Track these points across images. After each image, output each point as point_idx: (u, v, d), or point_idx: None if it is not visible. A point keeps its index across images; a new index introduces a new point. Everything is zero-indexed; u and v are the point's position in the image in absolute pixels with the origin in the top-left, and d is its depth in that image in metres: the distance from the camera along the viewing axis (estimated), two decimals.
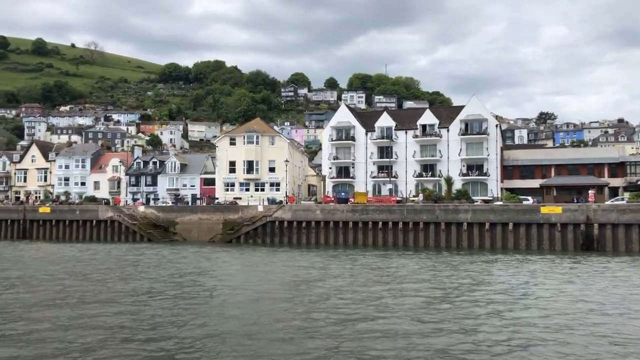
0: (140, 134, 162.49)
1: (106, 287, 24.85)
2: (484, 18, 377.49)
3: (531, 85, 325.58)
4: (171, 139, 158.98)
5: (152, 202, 69.73)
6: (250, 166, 68.65)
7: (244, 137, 68.89)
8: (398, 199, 53.76)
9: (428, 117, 64.83)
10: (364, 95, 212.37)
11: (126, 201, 69.39)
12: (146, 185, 74.81)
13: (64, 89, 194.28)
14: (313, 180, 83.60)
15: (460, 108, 65.76)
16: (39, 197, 77.32)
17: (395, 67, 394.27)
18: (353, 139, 67.40)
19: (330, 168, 68.11)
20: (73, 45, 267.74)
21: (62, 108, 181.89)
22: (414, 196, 59.57)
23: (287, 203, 54.36)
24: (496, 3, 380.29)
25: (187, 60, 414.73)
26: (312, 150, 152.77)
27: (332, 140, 68.03)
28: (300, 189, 74.93)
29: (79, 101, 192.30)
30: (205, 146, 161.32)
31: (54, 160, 78.84)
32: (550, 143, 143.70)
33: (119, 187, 75.86)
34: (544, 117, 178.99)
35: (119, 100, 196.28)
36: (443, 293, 23.18)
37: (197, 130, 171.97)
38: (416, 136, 64.77)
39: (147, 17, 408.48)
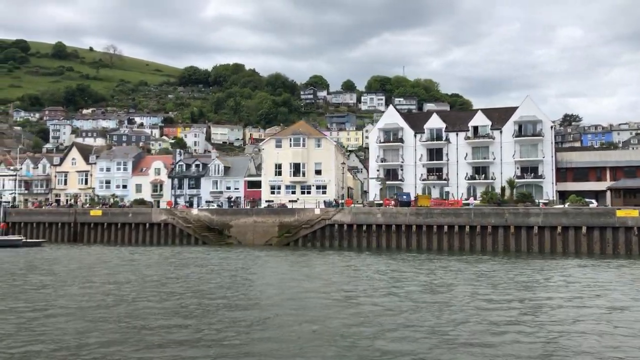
0: (164, 137, 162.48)
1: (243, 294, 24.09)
2: (497, 19, 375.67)
3: (545, 87, 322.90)
4: (195, 142, 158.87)
5: (194, 205, 69.22)
6: (296, 169, 67.96)
7: (291, 139, 68.23)
8: (464, 202, 52.71)
9: (480, 119, 63.85)
10: (383, 97, 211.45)
11: (175, 204, 68.86)
12: (189, 187, 74.31)
13: (86, 92, 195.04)
14: (349, 182, 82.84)
15: (511, 109, 64.73)
16: (86, 199, 77.07)
17: (406, 70, 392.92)
18: (401, 140, 66.55)
19: (377, 170, 67.23)
20: (91, 49, 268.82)
21: (84, 111, 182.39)
22: (466, 199, 58.60)
23: (345, 206, 53.57)
24: (509, 5, 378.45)
25: (198, 63, 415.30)
26: None
27: (379, 142, 67.19)
28: (344, 192, 74.09)
29: (100, 104, 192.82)
30: (228, 149, 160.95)
31: (95, 163, 78.57)
32: (577, 145, 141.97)
33: (161, 189, 75.43)
34: (568, 119, 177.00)
35: (140, 103, 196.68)
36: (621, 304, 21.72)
37: (220, 133, 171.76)
38: (468, 138, 63.80)
39: (160, 21, 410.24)
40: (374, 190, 67.26)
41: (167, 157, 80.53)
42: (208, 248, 50.88)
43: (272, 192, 68.65)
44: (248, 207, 64.91)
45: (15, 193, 74.92)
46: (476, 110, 65.47)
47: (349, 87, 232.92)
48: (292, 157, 67.80)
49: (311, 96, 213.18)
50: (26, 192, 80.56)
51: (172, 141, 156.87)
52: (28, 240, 52.81)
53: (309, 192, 67.61)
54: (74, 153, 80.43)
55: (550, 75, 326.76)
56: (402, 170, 66.30)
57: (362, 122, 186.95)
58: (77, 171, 79.21)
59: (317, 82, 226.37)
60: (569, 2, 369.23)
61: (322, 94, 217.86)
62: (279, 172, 68.69)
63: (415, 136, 66.22)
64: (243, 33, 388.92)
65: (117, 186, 76.71)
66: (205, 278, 29.38)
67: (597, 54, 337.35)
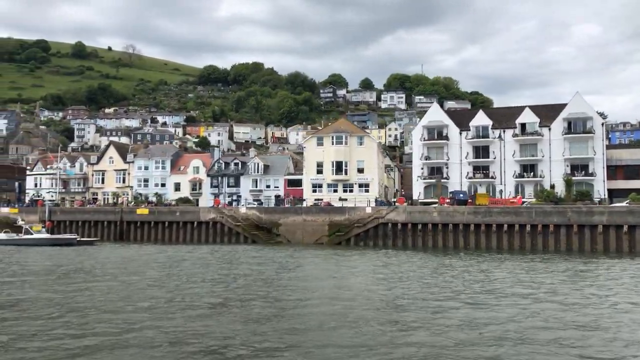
0: (187, 136, 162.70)
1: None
2: (513, 17, 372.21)
3: (559, 85, 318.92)
4: (218, 141, 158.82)
5: (234, 204, 68.80)
6: (338, 167, 67.38)
7: (333, 137, 67.64)
8: (524, 200, 51.83)
9: (528, 116, 62.82)
10: (403, 95, 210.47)
11: (219, 202, 68.58)
12: (228, 186, 74.02)
13: (107, 91, 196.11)
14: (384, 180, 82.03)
15: (559, 106, 63.62)
16: (129, 198, 77.09)
17: (420, 67, 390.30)
18: (446, 138, 65.70)
19: (422, 168, 66.47)
20: (110, 49, 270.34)
21: (107, 110, 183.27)
22: (513, 197, 57.70)
23: (397, 205, 52.92)
24: (525, 2, 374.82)
25: (212, 62, 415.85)
26: None
27: (424, 140, 66.39)
28: (385, 190, 73.46)
29: (122, 103, 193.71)
30: (250, 148, 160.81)
31: (132, 162, 78.54)
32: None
33: (200, 188, 75.24)
34: None
35: (161, 102, 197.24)
36: None
37: (242, 132, 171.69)
38: (516, 135, 62.80)
39: (174, 20, 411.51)
40: (417, 189, 66.52)
41: (205, 156, 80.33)
42: (261, 246, 50.45)
43: (314, 191, 68.13)
44: (287, 205, 64.62)
45: (56, 191, 74.96)
46: (523, 107, 64.41)
47: (366, 85, 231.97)
48: (334, 155, 67.22)
49: (330, 95, 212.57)
50: (63, 190, 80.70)
51: (196, 140, 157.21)
52: (82, 239, 52.68)
53: (351, 191, 66.98)
54: (112, 152, 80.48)
55: (565, 74, 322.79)
56: (447, 168, 65.45)
57: (382, 121, 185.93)
58: (115, 170, 79.24)
59: (336, 81, 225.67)
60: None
61: (341, 92, 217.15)
62: (320, 171, 68.14)
63: (460, 134, 65.33)
64: (256, 32, 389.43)
65: (156, 184, 76.62)
66: (302, 278, 28.84)
67: (613, 51, 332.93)
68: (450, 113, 70.49)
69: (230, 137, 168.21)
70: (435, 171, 66.33)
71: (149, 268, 32.90)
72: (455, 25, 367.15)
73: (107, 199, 78.34)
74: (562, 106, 62.91)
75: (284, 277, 28.97)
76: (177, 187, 75.88)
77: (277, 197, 64.13)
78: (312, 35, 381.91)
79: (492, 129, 64.09)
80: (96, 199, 79.00)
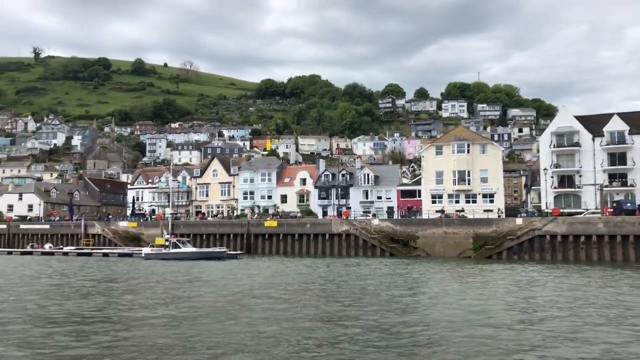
0: (254, 149, 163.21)
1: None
2: (562, 22, 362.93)
3: (608, 91, 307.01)
4: (285, 153, 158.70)
5: (343, 216, 66.92)
6: (460, 177, 64.80)
7: (453, 145, 65.19)
8: None
9: None
10: (465, 104, 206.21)
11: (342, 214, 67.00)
12: (336, 197, 72.42)
13: (172, 106, 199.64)
14: None
15: None
16: (222, 211, 76.72)
17: (465, 76, 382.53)
18: (577, 144, 62.28)
19: (552, 177, 63.12)
20: (165, 65, 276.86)
21: (172, 125, 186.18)
22: None
23: (552, 215, 49.93)
24: (575, 5, 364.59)
25: (258, 75, 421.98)
26: None
27: (553, 147, 63.15)
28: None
29: (186, 118, 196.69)
30: (316, 159, 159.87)
31: (237, 174, 78.05)
32: None
33: (307, 200, 73.95)
34: None
35: (224, 116, 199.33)
36: None
37: (308, 144, 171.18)
38: None
39: (220, 36, 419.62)
40: (546, 199, 63.13)
41: (311, 167, 79.19)
42: (401, 260, 48.12)
43: (434, 202, 65.67)
44: (400, 217, 62.44)
45: (170, 205, 74.91)
46: None
47: (422, 94, 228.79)
48: (456, 164, 64.71)
49: (389, 105, 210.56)
50: (166, 204, 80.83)
51: (264, 152, 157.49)
52: (230, 252, 51.77)
53: (474, 201, 64.23)
54: (215, 165, 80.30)
55: (615, 79, 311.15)
56: (580, 176, 61.94)
57: (446, 130, 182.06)
58: (220, 182, 78.93)
59: (394, 91, 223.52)
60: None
61: (400, 102, 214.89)
62: (440, 181, 65.70)
63: (593, 140, 61.83)
64: (300, 44, 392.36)
65: (262, 197, 75.81)
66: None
67: None
68: (580, 118, 66.95)
69: (296, 150, 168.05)
70: (566, 180, 62.90)
71: (365, 283, 30.98)
72: (503, 32, 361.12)
73: (212, 211, 77.99)
74: None
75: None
76: (284, 199, 74.79)
77: (409, 208, 61.93)
78: (356, 47, 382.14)
79: (629, 134, 60.36)
80: (199, 211, 78.77)
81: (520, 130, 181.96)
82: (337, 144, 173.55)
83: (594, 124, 63.49)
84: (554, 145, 63.38)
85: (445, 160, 65.63)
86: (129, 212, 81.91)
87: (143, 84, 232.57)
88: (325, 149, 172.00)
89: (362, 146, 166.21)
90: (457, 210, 61.41)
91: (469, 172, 64.68)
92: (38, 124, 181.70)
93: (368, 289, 28.31)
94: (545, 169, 59.33)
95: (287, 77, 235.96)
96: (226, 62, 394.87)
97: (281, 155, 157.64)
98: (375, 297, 25.37)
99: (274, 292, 26.92)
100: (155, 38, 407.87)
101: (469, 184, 64.64)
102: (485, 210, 59.17)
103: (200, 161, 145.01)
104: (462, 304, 22.88)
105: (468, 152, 64.79)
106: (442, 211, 61.09)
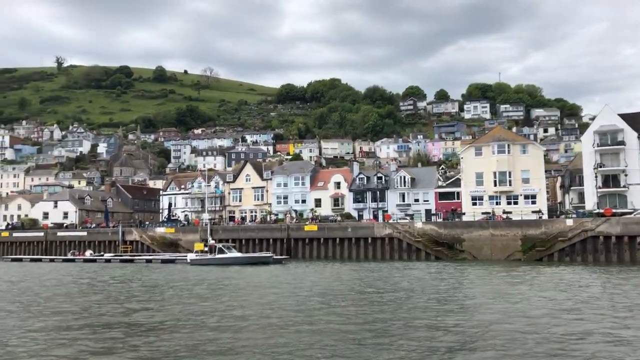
0: (278, 153, 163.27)
1: None
2: (582, 20, 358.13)
3: (631, 90, 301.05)
4: (310, 157, 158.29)
5: (380, 219, 66.14)
6: (501, 178, 63.61)
7: (493, 146, 64.06)
8: None
9: None
10: (487, 104, 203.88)
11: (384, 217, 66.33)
12: (372, 201, 71.65)
13: (195, 112, 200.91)
14: None
15: None
16: (255, 216, 76.47)
17: (483, 76, 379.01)
18: (622, 143, 60.70)
19: (595, 177, 61.61)
20: (186, 72, 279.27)
21: (195, 131, 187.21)
22: None
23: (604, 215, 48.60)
24: (596, 3, 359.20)
25: (272, 81, 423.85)
26: (451, 164, 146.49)
27: (596, 146, 61.65)
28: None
29: (208, 124, 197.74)
30: (340, 162, 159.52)
31: (270, 179, 77.78)
32: None
33: (342, 203, 73.27)
34: None
35: (246, 121, 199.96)
36: None
37: (331, 148, 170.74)
38: None
39: (237, 41, 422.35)
40: (591, 200, 61.62)
41: (345, 170, 78.60)
42: (449, 264, 47.21)
43: (474, 204, 64.54)
44: (440, 219, 61.46)
45: (206, 210, 74.88)
46: None
47: (442, 96, 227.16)
48: (496, 165, 63.56)
49: (411, 107, 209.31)
50: (199, 209, 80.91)
51: (289, 157, 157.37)
52: (276, 257, 51.38)
53: (515, 203, 62.93)
54: (248, 169, 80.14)
55: (637, 77, 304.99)
56: (626, 176, 60.33)
57: (471, 131, 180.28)
58: (253, 187, 78.74)
59: (414, 93, 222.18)
60: None
61: (421, 104, 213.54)
62: (480, 182, 64.59)
63: (638, 138, 60.22)
64: (317, 48, 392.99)
65: (296, 201, 75.36)
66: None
67: None
68: (624, 116, 65.36)
69: (319, 153, 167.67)
70: (611, 179, 61.31)
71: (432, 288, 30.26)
72: (521, 31, 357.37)
73: (245, 216, 77.79)
74: None
75: None
76: (318, 203, 74.21)
77: (453, 210, 60.95)
78: (372, 49, 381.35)
79: None
80: (233, 217, 78.63)
81: (546, 131, 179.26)
82: (361, 147, 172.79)
83: (637, 121, 61.90)
84: (597, 144, 61.85)
85: (485, 162, 64.52)
86: (161, 218, 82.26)
87: (165, 91, 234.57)
88: (348, 152, 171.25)
89: (386, 149, 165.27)
90: (504, 211, 60.32)
91: (510, 172, 63.48)
92: (63, 133, 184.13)
93: (453, 297, 27.58)
94: (594, 168, 57.91)
95: (305, 81, 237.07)
96: (244, 68, 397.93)
97: (306, 158, 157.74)
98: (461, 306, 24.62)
99: (352, 294, 26.32)
100: (173, 45, 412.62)
101: (510, 185, 63.41)
102: (533, 212, 57.93)
103: (225, 166, 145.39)
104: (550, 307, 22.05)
105: (508, 152, 63.61)
106: (489, 213, 59.96)
